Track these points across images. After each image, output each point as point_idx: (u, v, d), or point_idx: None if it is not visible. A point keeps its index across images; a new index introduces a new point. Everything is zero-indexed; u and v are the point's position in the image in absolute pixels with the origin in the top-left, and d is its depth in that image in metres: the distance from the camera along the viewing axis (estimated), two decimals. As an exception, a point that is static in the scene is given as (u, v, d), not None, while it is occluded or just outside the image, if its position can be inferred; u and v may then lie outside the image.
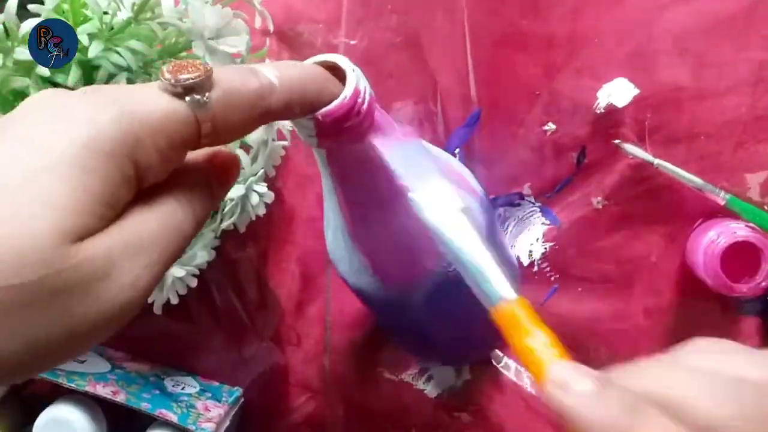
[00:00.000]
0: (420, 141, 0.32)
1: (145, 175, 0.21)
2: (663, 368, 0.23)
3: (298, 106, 0.25)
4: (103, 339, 0.21)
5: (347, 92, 0.26)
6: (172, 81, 0.21)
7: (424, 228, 0.28)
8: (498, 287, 0.26)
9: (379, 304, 0.43)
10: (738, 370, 0.22)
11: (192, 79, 0.21)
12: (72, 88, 0.39)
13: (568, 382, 0.22)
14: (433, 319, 0.42)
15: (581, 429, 0.21)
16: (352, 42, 0.52)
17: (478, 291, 0.26)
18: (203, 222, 0.24)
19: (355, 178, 0.31)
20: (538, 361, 0.23)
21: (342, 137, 0.28)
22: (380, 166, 0.30)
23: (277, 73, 0.23)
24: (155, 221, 0.21)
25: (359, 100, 0.27)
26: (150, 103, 0.21)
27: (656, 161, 0.47)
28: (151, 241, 0.21)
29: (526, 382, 0.51)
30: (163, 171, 0.22)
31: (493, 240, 0.42)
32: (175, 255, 0.22)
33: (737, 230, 0.44)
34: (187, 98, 0.21)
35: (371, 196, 0.32)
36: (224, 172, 0.25)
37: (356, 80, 0.27)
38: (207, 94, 0.21)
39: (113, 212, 0.20)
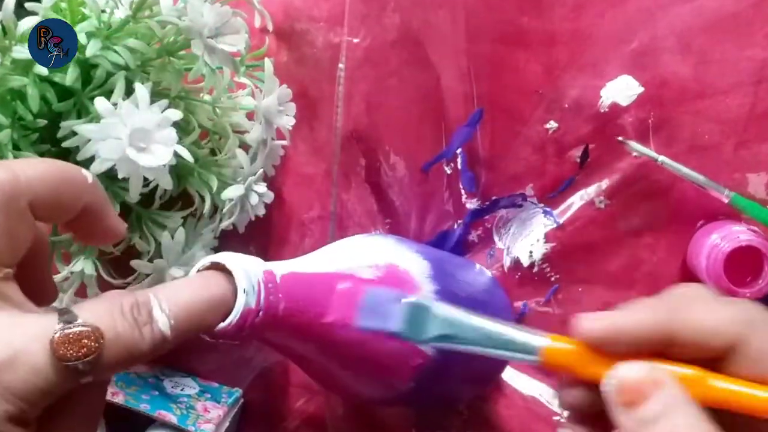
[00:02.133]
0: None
1: None
2: None
3: (193, 334, 0.26)
4: None
5: (233, 318, 0.27)
6: (64, 360, 0.21)
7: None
8: (527, 340, 0.27)
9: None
10: None
11: (84, 359, 0.22)
12: (70, 87, 0.39)
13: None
14: (426, 398, 0.43)
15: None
16: (355, 40, 0.51)
17: (511, 355, 0.28)
18: None
19: (296, 348, 0.33)
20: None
21: (252, 336, 0.28)
22: (310, 329, 0.31)
23: (171, 322, 0.24)
24: None
25: (249, 319, 0.27)
26: (37, 381, 0.21)
27: (660, 158, 0.47)
28: None
29: (526, 384, 0.51)
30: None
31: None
32: None
33: (740, 234, 0.44)
34: (81, 380, 0.22)
35: (320, 355, 0.33)
36: None
37: (245, 302, 0.27)
38: (99, 363, 0.22)
39: None
